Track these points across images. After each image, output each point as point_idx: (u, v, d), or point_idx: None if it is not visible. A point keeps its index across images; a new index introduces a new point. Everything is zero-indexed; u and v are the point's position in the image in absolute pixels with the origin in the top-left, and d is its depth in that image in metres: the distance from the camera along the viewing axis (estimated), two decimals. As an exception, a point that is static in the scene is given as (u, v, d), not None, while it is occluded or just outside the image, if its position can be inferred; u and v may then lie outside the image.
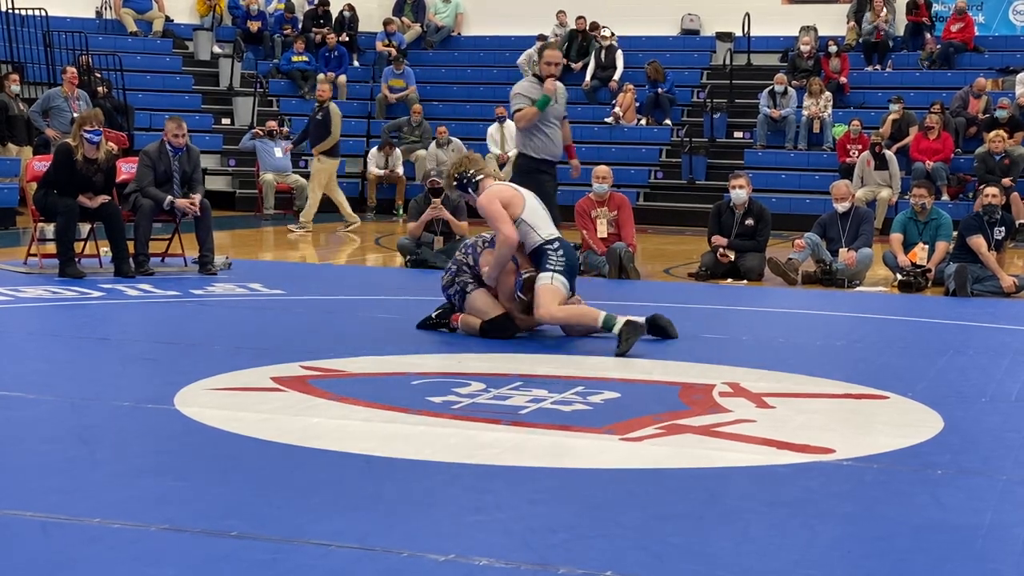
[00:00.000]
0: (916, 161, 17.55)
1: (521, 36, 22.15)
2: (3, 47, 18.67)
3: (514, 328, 7.58)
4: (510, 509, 4.05)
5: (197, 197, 10.75)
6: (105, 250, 10.56)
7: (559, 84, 9.88)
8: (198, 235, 10.66)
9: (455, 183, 7.89)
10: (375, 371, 6.50)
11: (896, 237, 11.34)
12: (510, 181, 8.76)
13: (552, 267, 7.47)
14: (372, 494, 4.16)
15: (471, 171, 7.80)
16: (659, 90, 20.29)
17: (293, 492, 4.17)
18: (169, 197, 10.52)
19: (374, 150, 19.34)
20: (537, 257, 7.53)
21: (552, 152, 9.71)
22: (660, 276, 11.89)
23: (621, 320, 7.17)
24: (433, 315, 7.82)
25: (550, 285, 7.42)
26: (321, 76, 16.44)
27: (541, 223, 7.60)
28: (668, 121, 20.31)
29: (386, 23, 22.56)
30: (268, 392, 5.81)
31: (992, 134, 16.83)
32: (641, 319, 7.35)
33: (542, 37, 21.42)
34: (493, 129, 19.38)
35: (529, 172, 9.55)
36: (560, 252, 7.52)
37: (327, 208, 19.06)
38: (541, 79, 9.77)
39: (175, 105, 19.42)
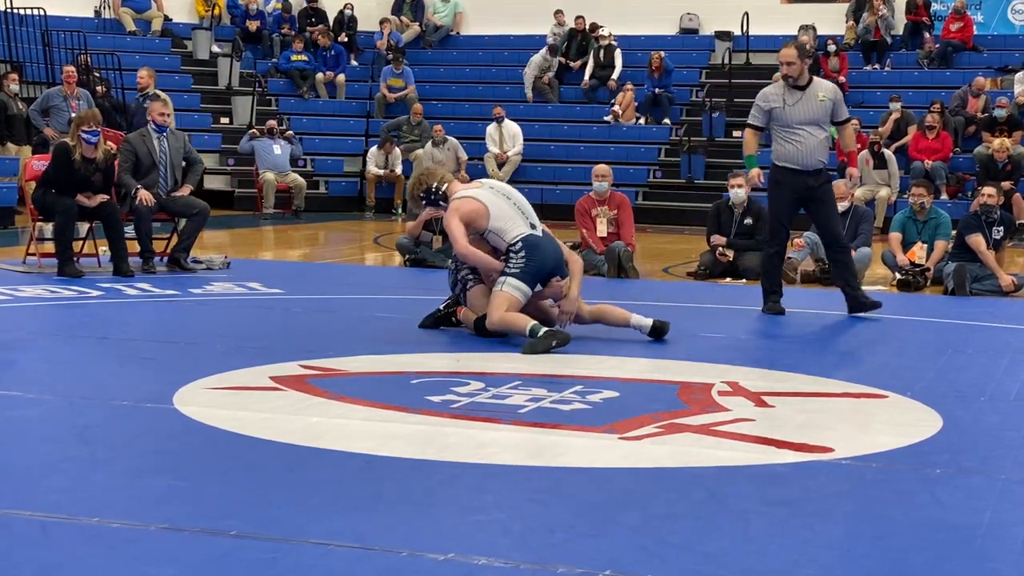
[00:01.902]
0: (915, 160, 17.56)
1: (520, 35, 22.17)
2: (2, 46, 18.67)
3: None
4: (509, 508, 4.05)
5: (187, 188, 10.81)
6: (104, 249, 10.57)
7: (824, 84, 8.94)
8: (184, 229, 10.70)
9: (423, 202, 7.83)
10: (374, 370, 6.50)
11: (895, 236, 11.35)
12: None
13: (507, 271, 7.44)
14: (371, 494, 4.16)
15: (434, 184, 7.72)
16: (656, 89, 20.28)
17: (292, 492, 4.17)
18: (137, 186, 10.52)
19: (374, 149, 19.31)
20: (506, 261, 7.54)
21: (798, 161, 8.67)
22: (659, 275, 11.89)
23: (544, 329, 7.16)
24: (441, 307, 7.84)
25: (499, 291, 7.40)
26: (144, 71, 15.00)
27: (508, 226, 7.50)
28: (667, 120, 20.31)
29: (381, 23, 22.57)
30: (267, 391, 5.80)
31: (996, 143, 16.84)
32: (567, 333, 7.29)
33: (553, 50, 21.37)
34: (492, 128, 19.38)
35: (773, 180, 8.86)
36: (521, 253, 7.43)
37: (330, 208, 19.08)
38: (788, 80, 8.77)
39: (174, 104, 19.38)
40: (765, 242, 9.34)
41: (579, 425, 5.23)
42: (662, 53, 20.49)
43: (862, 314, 8.74)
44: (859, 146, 10.10)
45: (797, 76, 8.70)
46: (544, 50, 21.34)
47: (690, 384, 6.18)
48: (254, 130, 18.43)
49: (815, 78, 8.89)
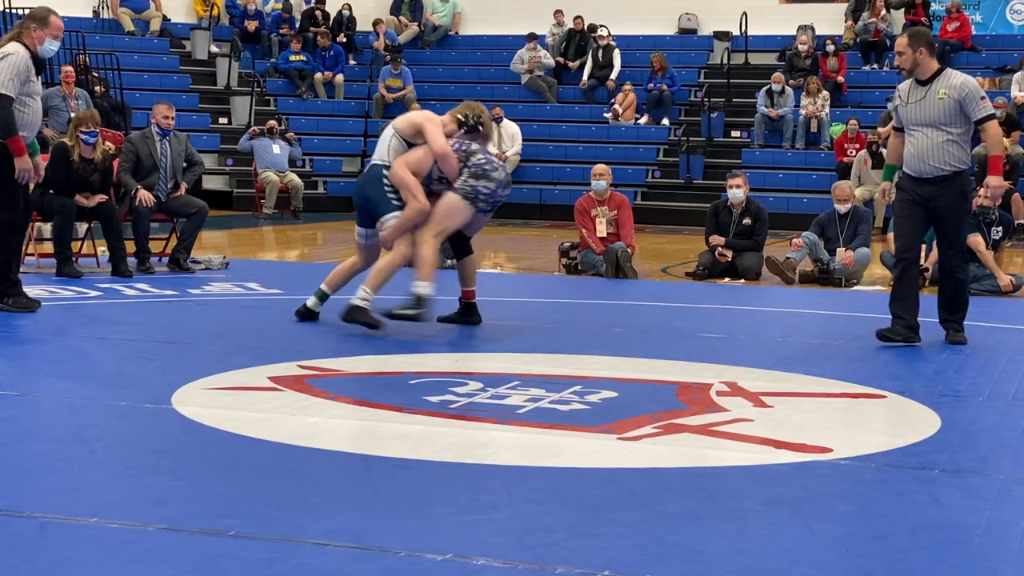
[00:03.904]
0: (914, 160, 17.55)
1: (519, 36, 22.18)
2: (0, 46, 18.64)
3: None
4: (507, 508, 4.05)
5: (183, 187, 10.84)
6: (102, 249, 10.57)
7: (953, 78, 7.57)
8: (183, 230, 10.72)
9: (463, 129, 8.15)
10: (372, 371, 6.50)
11: (894, 237, 11.32)
12: None
13: None
14: (369, 494, 4.16)
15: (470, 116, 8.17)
16: (651, 86, 20.27)
17: (290, 491, 4.17)
18: (137, 187, 10.54)
19: None
20: None
21: (912, 166, 7.62)
22: (658, 275, 11.89)
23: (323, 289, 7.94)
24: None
25: None
26: None
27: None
28: (666, 120, 20.32)
29: (374, 24, 22.54)
30: (266, 392, 5.80)
31: None
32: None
33: (532, 36, 21.44)
34: (490, 128, 19.36)
35: (897, 186, 7.91)
36: None
37: (328, 208, 19.08)
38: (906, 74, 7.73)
39: (173, 104, 19.39)
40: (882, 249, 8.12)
41: (577, 425, 5.23)
42: (662, 54, 20.50)
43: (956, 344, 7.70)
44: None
45: (910, 68, 7.60)
46: (527, 43, 21.34)
47: (689, 384, 6.18)
48: (254, 129, 18.43)
49: (947, 70, 7.68)
